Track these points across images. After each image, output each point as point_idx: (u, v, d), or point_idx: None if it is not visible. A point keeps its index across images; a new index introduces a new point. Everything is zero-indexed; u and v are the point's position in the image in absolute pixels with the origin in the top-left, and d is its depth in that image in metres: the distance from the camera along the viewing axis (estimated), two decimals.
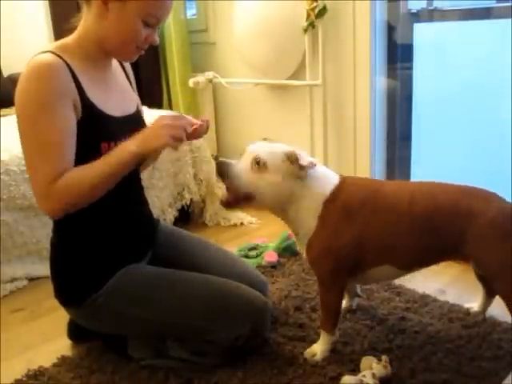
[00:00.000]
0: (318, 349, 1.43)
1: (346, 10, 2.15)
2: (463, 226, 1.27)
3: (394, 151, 2.30)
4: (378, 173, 2.29)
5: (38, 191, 1.24)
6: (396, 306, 1.67)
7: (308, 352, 1.44)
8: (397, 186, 1.44)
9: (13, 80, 2.63)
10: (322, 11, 2.14)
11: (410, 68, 2.18)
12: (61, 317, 1.57)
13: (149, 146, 1.23)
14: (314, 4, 2.13)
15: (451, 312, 1.62)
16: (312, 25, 2.19)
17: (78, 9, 1.31)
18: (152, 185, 2.33)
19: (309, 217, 1.35)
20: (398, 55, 2.20)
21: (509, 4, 1.83)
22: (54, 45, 1.29)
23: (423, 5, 2.15)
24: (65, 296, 1.41)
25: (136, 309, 1.37)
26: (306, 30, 2.22)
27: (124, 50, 1.31)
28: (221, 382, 1.36)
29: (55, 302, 1.43)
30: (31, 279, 2.05)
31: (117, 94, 1.40)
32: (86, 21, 1.29)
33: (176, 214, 2.50)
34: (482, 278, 1.52)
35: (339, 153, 2.37)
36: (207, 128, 1.33)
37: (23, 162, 1.97)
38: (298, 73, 2.41)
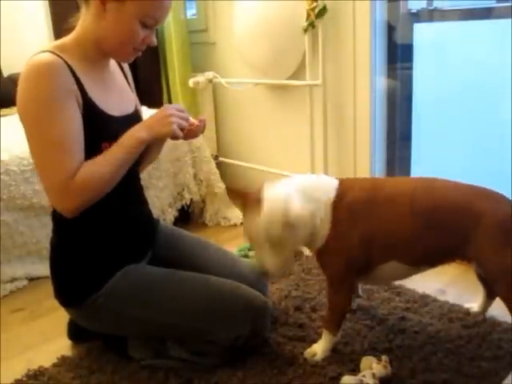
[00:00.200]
0: (318, 348, 1.43)
1: (346, 9, 2.15)
2: (467, 225, 1.26)
3: (393, 151, 2.30)
4: (378, 173, 2.29)
5: (55, 191, 1.23)
6: (396, 306, 1.67)
7: (308, 352, 1.44)
8: (397, 183, 1.44)
9: (13, 80, 2.64)
10: (322, 11, 2.13)
11: (410, 68, 2.18)
12: (61, 317, 1.57)
13: (156, 132, 1.27)
14: (314, 4, 2.13)
15: (451, 312, 1.62)
16: (312, 25, 2.18)
17: (78, 9, 1.30)
18: (152, 185, 2.33)
19: (324, 226, 1.34)
20: (398, 55, 2.20)
21: (509, 4, 1.83)
22: (52, 44, 1.28)
23: (423, 5, 2.15)
24: (65, 296, 1.41)
25: (136, 309, 1.37)
26: (305, 30, 2.22)
27: (121, 50, 1.31)
28: (221, 382, 1.36)
29: (55, 302, 1.43)
30: (31, 279, 2.05)
31: (115, 93, 1.40)
32: (84, 20, 1.29)
33: (176, 214, 2.50)
34: (483, 280, 1.52)
35: (339, 153, 2.37)
36: (204, 127, 1.37)
37: (23, 162, 2.01)
38: (298, 73, 2.41)
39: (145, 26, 1.26)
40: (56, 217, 1.38)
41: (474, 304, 1.62)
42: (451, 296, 1.74)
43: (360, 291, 1.70)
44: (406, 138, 2.25)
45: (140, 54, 1.34)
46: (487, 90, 1.97)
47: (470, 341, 1.47)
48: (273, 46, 2.40)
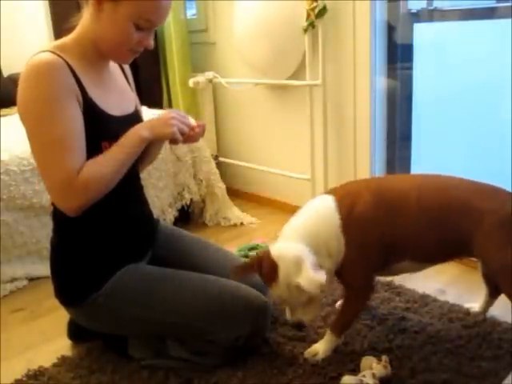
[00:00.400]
0: (320, 348, 1.43)
1: (346, 9, 2.15)
2: (473, 222, 1.26)
3: (394, 151, 2.30)
4: (378, 173, 2.29)
5: (58, 190, 1.23)
6: (396, 306, 1.67)
7: (309, 352, 1.44)
8: (400, 182, 1.44)
9: (13, 80, 2.64)
10: (322, 11, 2.13)
11: (410, 68, 2.18)
12: (61, 317, 1.57)
13: (157, 132, 1.29)
14: (314, 4, 2.13)
15: (451, 312, 1.62)
16: (312, 25, 2.19)
17: (78, 9, 1.30)
18: (152, 185, 2.33)
19: (340, 249, 1.33)
20: (398, 55, 2.20)
21: (509, 4, 1.83)
22: (52, 44, 1.28)
23: (423, 5, 2.15)
24: (65, 296, 1.41)
25: (136, 309, 1.37)
26: (305, 30, 2.22)
27: (117, 52, 1.30)
28: (221, 382, 1.36)
29: (55, 302, 1.43)
30: (31, 279, 2.05)
31: (116, 93, 1.40)
32: (84, 20, 1.29)
33: (176, 214, 2.50)
34: (487, 278, 1.52)
35: (339, 153, 2.37)
36: (203, 132, 1.41)
37: (23, 162, 2.01)
38: (298, 73, 2.41)
39: (139, 28, 1.24)
40: (56, 216, 1.38)
41: (474, 304, 1.62)
42: (451, 296, 1.74)
43: None
44: (406, 137, 2.25)
45: (138, 55, 1.33)
46: (487, 89, 1.97)
47: (470, 341, 1.47)
48: (273, 46, 2.40)
